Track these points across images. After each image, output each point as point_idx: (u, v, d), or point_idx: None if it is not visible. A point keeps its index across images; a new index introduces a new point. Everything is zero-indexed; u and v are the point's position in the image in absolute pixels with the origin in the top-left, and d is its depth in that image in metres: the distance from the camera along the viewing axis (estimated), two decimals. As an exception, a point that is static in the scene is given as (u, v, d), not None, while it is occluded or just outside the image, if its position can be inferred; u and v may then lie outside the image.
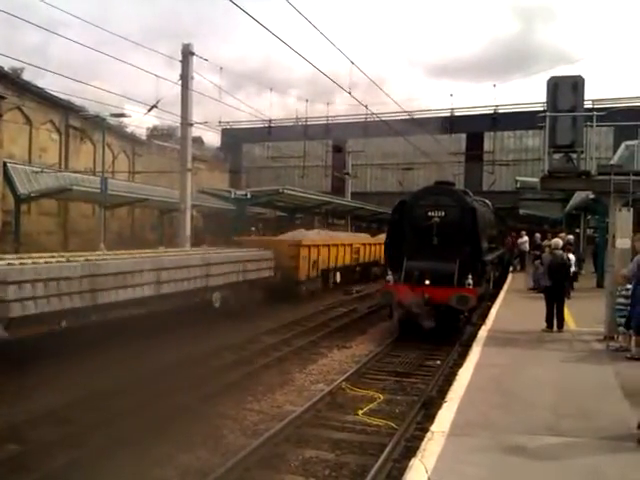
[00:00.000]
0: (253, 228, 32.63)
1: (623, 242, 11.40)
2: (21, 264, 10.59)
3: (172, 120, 27.97)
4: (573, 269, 17.57)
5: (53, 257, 12.07)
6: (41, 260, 11.40)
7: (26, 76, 30.91)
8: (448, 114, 49.84)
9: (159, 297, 13.56)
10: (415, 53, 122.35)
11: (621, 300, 10.78)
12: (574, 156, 11.88)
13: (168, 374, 10.14)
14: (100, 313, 11.74)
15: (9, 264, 10.38)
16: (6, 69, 28.91)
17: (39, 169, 27.29)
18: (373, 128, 40.59)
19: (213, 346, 12.78)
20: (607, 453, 5.81)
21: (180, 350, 11.82)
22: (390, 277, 14.55)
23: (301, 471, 6.82)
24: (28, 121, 30.51)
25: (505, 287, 20.63)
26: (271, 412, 8.92)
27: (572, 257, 17.59)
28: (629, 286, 10.60)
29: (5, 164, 25.69)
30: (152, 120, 41.61)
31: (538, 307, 13.22)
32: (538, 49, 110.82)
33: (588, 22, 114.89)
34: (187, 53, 23.92)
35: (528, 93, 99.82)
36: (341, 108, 76.61)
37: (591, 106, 25.27)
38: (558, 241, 14.48)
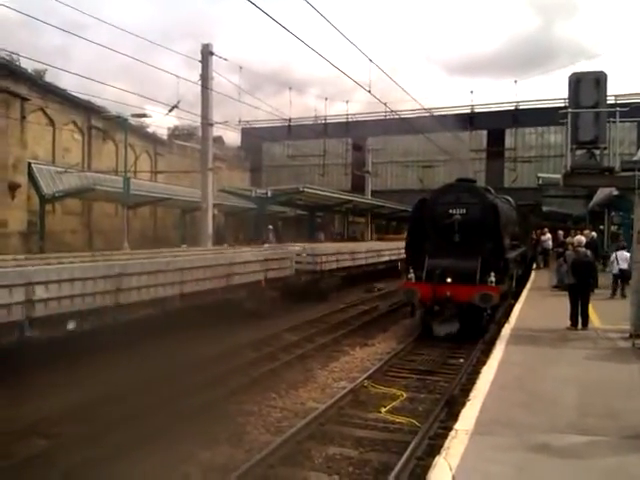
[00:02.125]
0: (270, 227, 32.76)
1: (648, 239, 11.25)
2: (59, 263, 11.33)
3: (192, 120, 28.21)
4: (617, 267, 16.90)
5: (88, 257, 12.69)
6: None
7: (48, 78, 31.40)
8: (468, 111, 49.57)
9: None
10: (434, 50, 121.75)
11: (646, 298, 10.64)
12: (597, 152, 11.75)
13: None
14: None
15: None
16: (29, 71, 29.36)
17: (63, 169, 27.67)
18: (393, 126, 40.48)
19: (235, 343, 12.86)
20: (632, 452, 5.74)
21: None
22: (412, 275, 14.51)
23: (325, 468, 6.86)
24: (51, 122, 30.93)
25: (528, 285, 20.44)
26: (294, 409, 8.97)
27: (613, 255, 17.17)
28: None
29: (30, 165, 26.09)
30: (173, 120, 41.98)
31: (562, 305, 13.09)
32: (558, 45, 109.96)
33: (608, 17, 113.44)
34: (207, 53, 24.09)
35: (549, 89, 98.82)
36: (360, 106, 76.42)
37: (613, 101, 25.00)
38: (581, 238, 14.32)
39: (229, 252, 18.43)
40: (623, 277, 15.92)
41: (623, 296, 16.03)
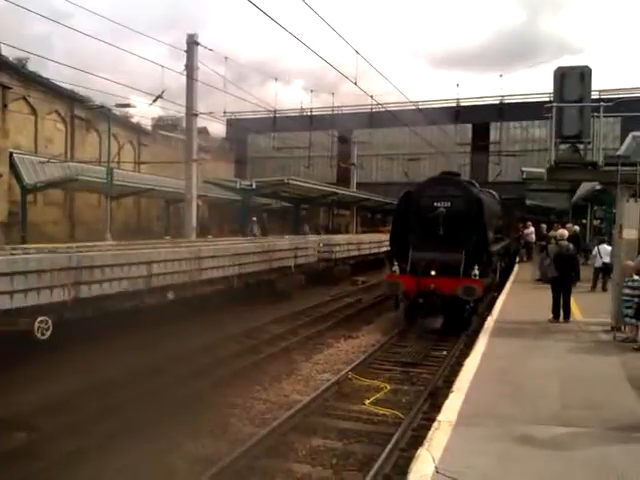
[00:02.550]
0: (254, 218, 32.66)
1: (630, 233, 11.37)
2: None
3: (177, 110, 28.00)
4: (600, 261, 17.08)
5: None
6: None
7: (31, 66, 30.96)
8: (454, 104, 49.67)
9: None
10: (420, 43, 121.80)
11: (627, 291, 10.76)
12: (581, 147, 11.81)
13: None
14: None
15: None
16: (11, 59, 28.93)
17: (45, 159, 27.32)
18: (379, 118, 40.47)
19: (215, 337, 12.85)
20: (615, 443, 5.82)
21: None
22: (396, 267, 14.55)
23: (309, 460, 6.88)
24: (33, 111, 30.52)
25: (512, 278, 20.59)
26: (279, 401, 8.97)
27: (596, 248, 17.33)
28: (636, 277, 10.60)
29: (11, 154, 25.74)
30: (157, 110, 41.65)
31: (544, 298, 13.21)
32: (543, 40, 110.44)
33: (593, 12, 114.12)
34: (192, 43, 23.87)
35: (534, 83, 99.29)
36: (347, 98, 76.23)
37: (598, 96, 25.15)
38: (564, 232, 14.45)
39: (267, 241, 21.24)
40: (606, 270, 16.08)
41: (604, 289, 16.22)
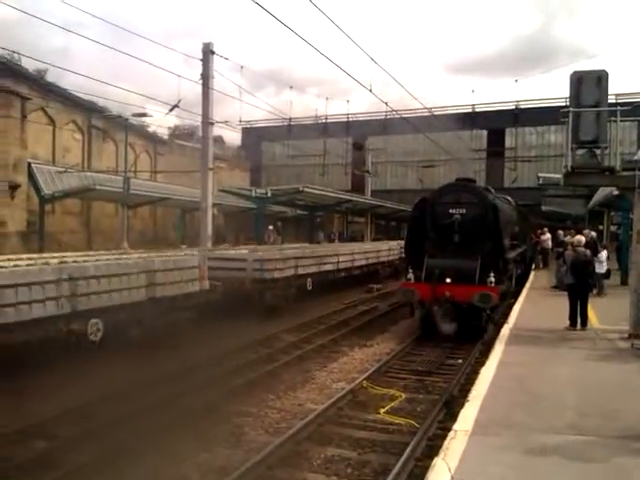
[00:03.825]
0: (271, 227, 32.71)
1: (648, 239, 11.24)
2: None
3: (193, 120, 28.20)
4: (605, 267, 17.24)
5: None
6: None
7: (49, 77, 31.40)
8: (469, 110, 49.52)
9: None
10: (435, 50, 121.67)
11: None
12: (598, 152, 11.71)
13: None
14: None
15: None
16: (30, 70, 29.35)
17: (63, 169, 27.66)
18: (393, 125, 40.44)
19: (234, 345, 12.83)
20: (632, 453, 5.73)
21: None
22: (411, 275, 14.48)
23: (323, 469, 6.84)
24: (52, 122, 30.93)
25: (528, 285, 20.42)
26: (293, 410, 8.95)
27: (604, 253, 17.32)
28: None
29: (29, 164, 26.08)
30: (173, 120, 41.98)
31: (561, 305, 13.07)
32: (558, 44, 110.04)
33: (608, 17, 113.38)
34: (208, 52, 24.04)
35: (549, 88, 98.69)
36: (361, 105, 76.32)
37: (614, 101, 24.95)
38: (581, 238, 14.29)
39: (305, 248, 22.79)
40: (606, 276, 16.63)
41: (599, 295, 16.34)
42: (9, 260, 11.79)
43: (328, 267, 21.34)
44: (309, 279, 19.51)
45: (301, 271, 18.99)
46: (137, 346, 10.65)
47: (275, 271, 17.08)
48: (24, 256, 13.41)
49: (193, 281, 13.91)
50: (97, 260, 12.52)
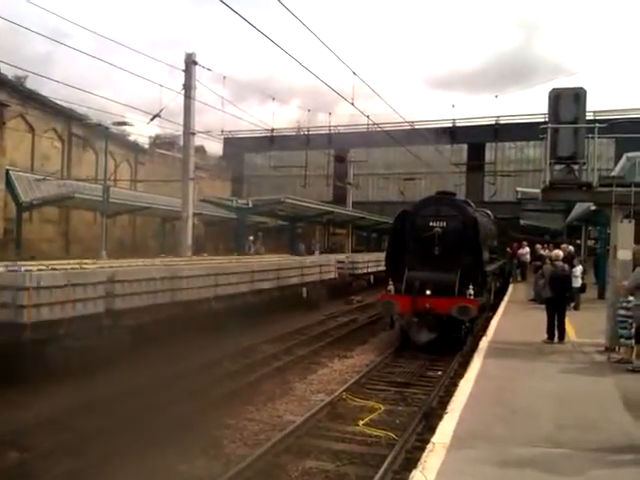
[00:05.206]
0: (251, 237, 32.62)
1: (624, 253, 11.40)
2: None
3: (174, 129, 28.13)
4: (580, 281, 17.50)
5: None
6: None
7: (29, 84, 31.12)
8: (450, 125, 49.99)
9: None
10: (416, 64, 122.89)
11: (622, 312, 10.76)
12: (576, 167, 11.88)
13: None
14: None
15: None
16: (9, 77, 29.07)
17: (41, 177, 27.38)
18: (375, 138, 40.65)
19: (213, 356, 12.73)
20: (608, 466, 5.78)
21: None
22: (391, 287, 14.53)
23: (301, 482, 6.79)
24: (31, 129, 30.64)
25: (506, 298, 20.59)
26: (271, 422, 8.89)
27: (579, 268, 17.55)
28: (630, 298, 10.59)
29: (7, 172, 25.79)
30: (154, 129, 41.81)
31: (539, 318, 13.20)
32: (537, 61, 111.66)
33: (586, 35, 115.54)
34: (190, 62, 24.02)
35: (528, 104, 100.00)
36: (343, 118, 76.75)
37: (592, 117, 25.34)
38: (559, 252, 14.47)
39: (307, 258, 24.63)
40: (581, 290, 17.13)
41: (576, 308, 16.53)
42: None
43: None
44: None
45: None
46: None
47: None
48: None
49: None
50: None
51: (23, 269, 11.04)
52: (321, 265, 23.00)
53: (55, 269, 11.32)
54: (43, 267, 11.53)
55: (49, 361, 9.89)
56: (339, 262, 25.55)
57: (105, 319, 11.37)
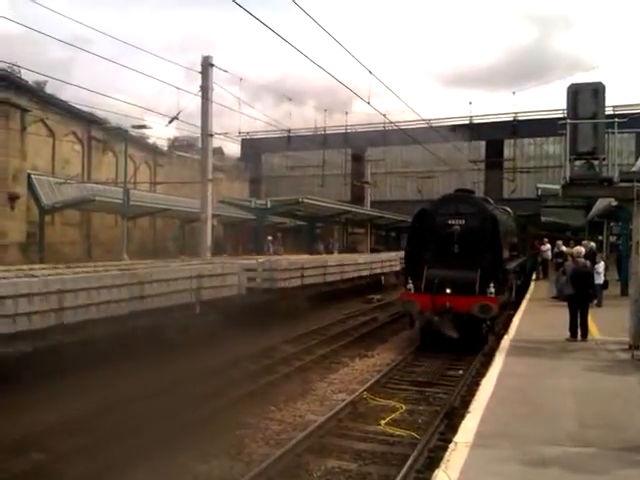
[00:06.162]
0: (270, 238, 32.72)
1: (647, 249, 11.25)
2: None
3: (192, 131, 28.29)
4: (603, 278, 17.28)
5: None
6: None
7: (49, 89, 31.50)
8: (467, 122, 49.69)
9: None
10: (431, 63, 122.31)
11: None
12: (596, 163, 11.76)
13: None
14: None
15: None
16: (30, 83, 29.45)
17: (62, 180, 27.70)
18: (392, 136, 40.55)
19: (234, 355, 12.80)
20: (634, 465, 5.71)
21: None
22: (411, 286, 14.48)
23: (324, 481, 6.81)
24: (51, 133, 31.01)
25: (528, 295, 20.41)
26: (293, 421, 8.92)
27: (602, 264, 17.33)
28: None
29: (29, 175, 26.13)
30: (173, 131, 42.07)
31: (561, 316, 13.07)
32: (555, 57, 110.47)
33: (604, 29, 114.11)
34: (207, 65, 24.18)
35: (546, 100, 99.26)
36: (359, 117, 76.65)
37: (612, 112, 25.04)
38: (580, 249, 14.32)
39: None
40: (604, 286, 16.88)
41: (599, 305, 16.35)
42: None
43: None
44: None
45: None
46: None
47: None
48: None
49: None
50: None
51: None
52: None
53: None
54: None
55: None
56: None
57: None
